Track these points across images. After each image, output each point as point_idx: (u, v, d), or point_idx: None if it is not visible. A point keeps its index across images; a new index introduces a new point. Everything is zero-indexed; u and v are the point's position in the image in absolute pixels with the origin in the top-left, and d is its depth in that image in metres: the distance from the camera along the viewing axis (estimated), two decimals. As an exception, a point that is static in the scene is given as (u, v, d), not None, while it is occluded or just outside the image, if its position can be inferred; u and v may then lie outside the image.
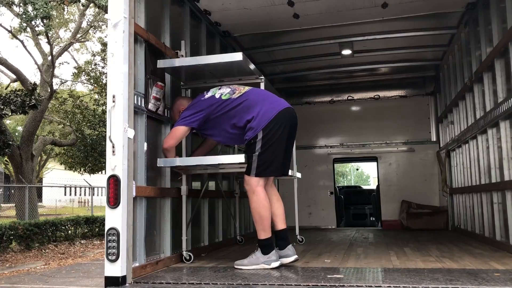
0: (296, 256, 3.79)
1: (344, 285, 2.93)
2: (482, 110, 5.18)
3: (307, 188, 8.32)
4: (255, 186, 3.68)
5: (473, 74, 5.43)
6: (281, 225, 3.84)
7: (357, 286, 2.92)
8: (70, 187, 34.46)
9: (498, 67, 4.60)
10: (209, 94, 3.93)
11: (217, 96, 3.87)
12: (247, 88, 3.93)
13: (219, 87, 3.99)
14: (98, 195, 23.28)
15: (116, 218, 3.14)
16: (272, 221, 3.80)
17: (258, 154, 3.66)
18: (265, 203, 3.68)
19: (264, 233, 3.66)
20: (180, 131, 3.87)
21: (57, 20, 18.39)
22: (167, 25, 4.35)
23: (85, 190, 31.98)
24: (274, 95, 3.93)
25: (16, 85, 17.79)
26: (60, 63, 18.68)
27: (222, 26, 5.71)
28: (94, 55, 17.83)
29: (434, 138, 8.36)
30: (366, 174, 68.00)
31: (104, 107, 16.37)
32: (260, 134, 3.67)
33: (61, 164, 21.46)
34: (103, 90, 16.56)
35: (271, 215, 3.74)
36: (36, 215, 13.61)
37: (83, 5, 14.41)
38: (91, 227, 13.04)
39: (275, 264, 3.61)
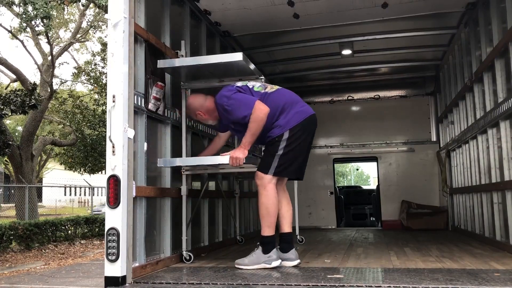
0: (298, 261, 3.78)
1: (344, 285, 2.93)
2: (482, 110, 5.18)
3: (307, 188, 8.31)
4: (268, 182, 3.63)
5: (473, 74, 5.43)
6: (287, 228, 3.83)
7: (357, 286, 2.92)
8: (70, 187, 34.46)
9: (498, 67, 4.59)
10: (240, 83, 3.85)
11: (250, 85, 3.81)
12: (277, 86, 3.91)
13: (247, 81, 3.95)
14: (98, 195, 23.27)
15: (116, 218, 3.14)
16: (279, 223, 3.80)
17: (281, 154, 3.64)
18: (274, 200, 3.64)
19: (268, 230, 3.62)
20: (259, 102, 3.63)
21: (57, 20, 18.39)
22: (167, 25, 4.35)
23: (85, 190, 31.97)
24: (302, 100, 3.90)
25: (16, 85, 17.79)
26: (60, 63, 18.72)
27: (222, 26, 5.71)
28: (94, 55, 17.85)
29: (434, 138, 8.36)
30: (366, 174, 68.04)
31: (104, 107, 16.37)
32: (287, 134, 3.65)
33: (61, 164, 21.46)
34: (103, 90, 16.57)
35: (277, 214, 3.72)
36: (36, 215, 13.61)
37: (83, 5, 14.43)
38: (91, 227, 13.05)
39: (276, 263, 3.60)
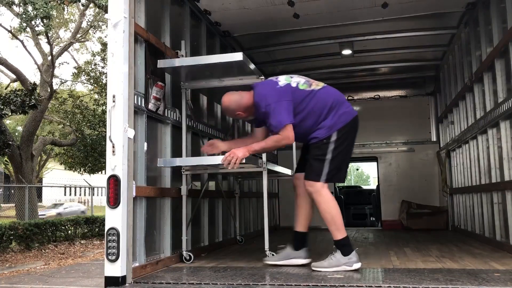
0: (309, 260, 3.71)
1: (344, 285, 2.93)
2: (482, 110, 5.18)
3: (307, 188, 8.29)
4: (321, 187, 3.50)
5: (473, 74, 5.43)
6: (303, 228, 3.76)
7: (357, 286, 2.92)
8: (70, 187, 34.46)
9: (498, 67, 4.59)
10: (282, 81, 3.59)
11: (293, 85, 3.56)
12: (322, 83, 3.69)
13: (290, 76, 3.67)
14: (98, 195, 23.27)
15: (116, 218, 3.14)
16: (297, 221, 3.77)
17: (331, 159, 3.49)
18: (334, 203, 3.54)
19: (339, 233, 3.48)
20: (291, 128, 3.46)
21: (57, 20, 18.39)
22: (167, 25, 4.35)
23: (85, 190, 31.97)
24: (337, 103, 3.64)
25: (16, 85, 17.79)
26: (60, 63, 18.71)
27: (222, 26, 5.71)
28: (94, 55, 17.84)
29: (434, 138, 8.36)
30: (366, 174, 68.04)
31: (104, 107, 16.37)
32: (335, 135, 3.50)
33: (61, 164, 21.46)
34: (103, 90, 16.57)
35: (296, 213, 3.72)
36: (36, 215, 13.60)
37: (83, 5, 14.43)
38: (91, 227, 13.05)
39: (357, 265, 3.42)
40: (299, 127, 3.56)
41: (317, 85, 3.65)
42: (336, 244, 3.50)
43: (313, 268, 3.50)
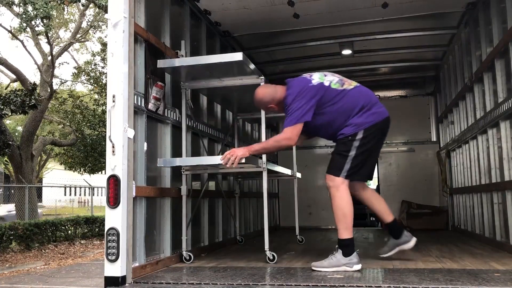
0: (415, 239, 3.77)
1: (344, 285, 2.93)
2: (482, 110, 5.18)
3: (307, 188, 8.30)
4: (340, 183, 3.53)
5: (473, 74, 5.43)
6: (388, 217, 3.83)
7: (357, 286, 2.92)
8: (70, 187, 34.46)
9: (498, 67, 4.59)
10: (316, 79, 3.62)
11: (326, 83, 3.60)
12: (355, 83, 3.73)
13: (324, 74, 3.71)
14: (98, 195, 23.27)
15: (116, 218, 3.14)
16: (380, 217, 3.86)
17: (353, 156, 3.52)
18: (350, 201, 3.54)
19: (346, 232, 3.48)
20: (299, 128, 3.54)
21: (57, 20, 18.39)
22: (167, 25, 4.35)
23: (85, 190, 31.98)
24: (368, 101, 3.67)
25: (16, 85, 17.78)
26: (60, 63, 18.69)
27: (222, 26, 5.71)
28: (94, 55, 17.84)
29: (434, 138, 8.36)
30: (366, 174, 67.85)
31: (104, 107, 16.37)
32: (361, 134, 3.52)
33: (61, 164, 21.46)
34: (103, 90, 16.57)
35: (374, 210, 3.81)
36: (36, 215, 13.60)
37: (83, 5, 14.42)
38: (91, 227, 13.04)
39: (357, 266, 3.43)
40: (328, 126, 3.63)
41: (350, 84, 3.67)
42: (340, 242, 3.50)
43: (313, 268, 3.50)
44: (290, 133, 3.52)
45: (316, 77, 3.64)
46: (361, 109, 3.56)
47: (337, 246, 3.52)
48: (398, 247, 3.87)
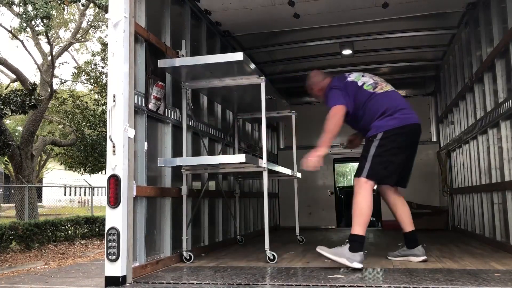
0: (425, 257, 3.84)
1: (344, 285, 2.93)
2: (483, 110, 5.18)
3: (307, 188, 8.30)
4: (364, 183, 3.66)
5: (474, 74, 5.43)
6: (408, 227, 3.94)
7: (357, 286, 2.92)
8: (70, 187, 34.45)
9: (498, 67, 4.59)
10: (352, 78, 4.02)
11: (359, 83, 3.94)
12: (389, 87, 3.99)
13: (362, 74, 4.08)
14: (98, 195, 23.27)
15: (116, 218, 3.14)
16: (401, 225, 3.97)
17: (373, 156, 3.67)
18: (369, 200, 3.63)
19: (358, 229, 3.55)
20: (338, 108, 3.83)
21: (57, 20, 18.39)
22: (168, 24, 4.36)
23: (85, 190, 31.97)
24: (410, 106, 3.92)
25: (16, 85, 17.77)
26: (60, 63, 18.69)
27: (222, 26, 5.71)
28: (94, 55, 17.82)
29: (434, 138, 8.36)
30: (366, 174, 67.86)
31: (104, 107, 16.36)
32: (380, 135, 3.69)
33: (61, 164, 21.44)
34: (103, 90, 16.56)
35: (396, 217, 3.97)
36: (36, 215, 13.60)
37: (83, 5, 14.42)
38: (91, 227, 13.04)
39: (357, 265, 3.44)
40: (360, 124, 3.97)
41: (382, 88, 3.93)
42: (350, 237, 3.55)
43: (318, 250, 3.65)
44: (334, 111, 3.83)
45: (353, 76, 4.04)
46: (383, 113, 3.76)
47: (347, 240, 3.57)
48: (406, 257, 3.96)
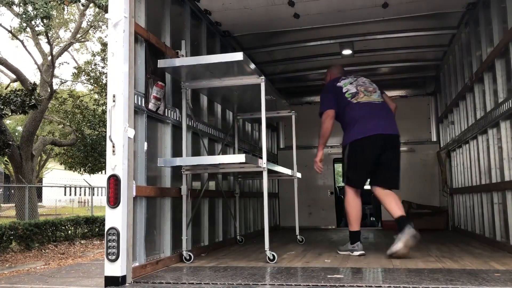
0: (399, 246, 4.04)
1: (344, 285, 2.93)
2: (483, 110, 5.18)
3: (307, 188, 8.30)
4: (347, 188, 4.46)
5: (474, 74, 5.43)
6: (396, 213, 4.29)
7: (357, 286, 2.91)
8: (70, 187, 34.46)
9: (498, 67, 4.59)
10: (341, 84, 4.53)
11: (344, 90, 4.47)
12: (373, 97, 4.48)
13: (353, 80, 4.57)
14: (98, 195, 23.27)
15: (116, 218, 3.14)
16: (390, 214, 4.38)
17: (346, 163, 4.42)
18: (351, 202, 4.42)
19: (350, 226, 4.44)
20: (327, 113, 4.49)
21: (57, 20, 18.39)
22: (168, 24, 4.35)
23: (85, 190, 31.98)
24: (386, 117, 4.48)
25: (16, 85, 17.78)
26: (60, 63, 18.68)
27: (222, 26, 5.71)
28: (94, 55, 17.83)
29: (434, 138, 8.35)
30: (366, 175, 67.78)
31: (104, 107, 16.37)
32: (347, 146, 4.35)
33: (61, 164, 21.44)
34: (103, 90, 16.56)
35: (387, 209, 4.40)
36: (36, 215, 13.60)
37: (83, 5, 14.42)
38: (91, 227, 13.04)
39: (357, 253, 4.33)
40: (342, 127, 4.54)
41: (360, 98, 4.42)
42: (349, 233, 4.49)
43: (338, 252, 4.51)
44: (323, 118, 4.50)
45: (344, 81, 4.54)
46: (353, 123, 4.31)
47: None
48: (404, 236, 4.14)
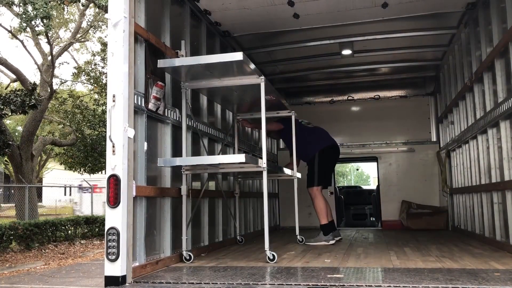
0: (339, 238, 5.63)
1: (344, 285, 2.93)
2: (482, 110, 5.18)
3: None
4: (316, 189, 5.64)
5: (473, 74, 5.43)
6: (322, 221, 5.48)
7: (357, 286, 2.92)
8: (70, 187, 34.43)
9: (498, 67, 4.59)
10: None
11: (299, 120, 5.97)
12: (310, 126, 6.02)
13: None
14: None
15: (116, 218, 3.14)
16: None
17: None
18: (322, 200, 5.59)
19: (323, 220, 5.43)
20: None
21: (57, 20, 18.39)
22: (167, 24, 4.35)
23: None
24: (319, 136, 5.96)
25: (16, 85, 17.78)
26: (60, 63, 18.67)
27: (222, 26, 5.71)
28: (94, 55, 17.82)
29: (434, 138, 8.36)
30: (366, 174, 67.93)
31: (104, 107, 16.37)
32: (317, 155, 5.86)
33: (61, 164, 21.42)
34: (103, 90, 16.55)
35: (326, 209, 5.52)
36: (36, 215, 13.59)
37: (83, 5, 14.42)
38: (91, 227, 13.04)
39: (332, 241, 5.32)
40: None
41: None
42: (320, 227, 5.44)
43: (306, 243, 5.34)
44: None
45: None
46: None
47: (319, 229, 5.45)
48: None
